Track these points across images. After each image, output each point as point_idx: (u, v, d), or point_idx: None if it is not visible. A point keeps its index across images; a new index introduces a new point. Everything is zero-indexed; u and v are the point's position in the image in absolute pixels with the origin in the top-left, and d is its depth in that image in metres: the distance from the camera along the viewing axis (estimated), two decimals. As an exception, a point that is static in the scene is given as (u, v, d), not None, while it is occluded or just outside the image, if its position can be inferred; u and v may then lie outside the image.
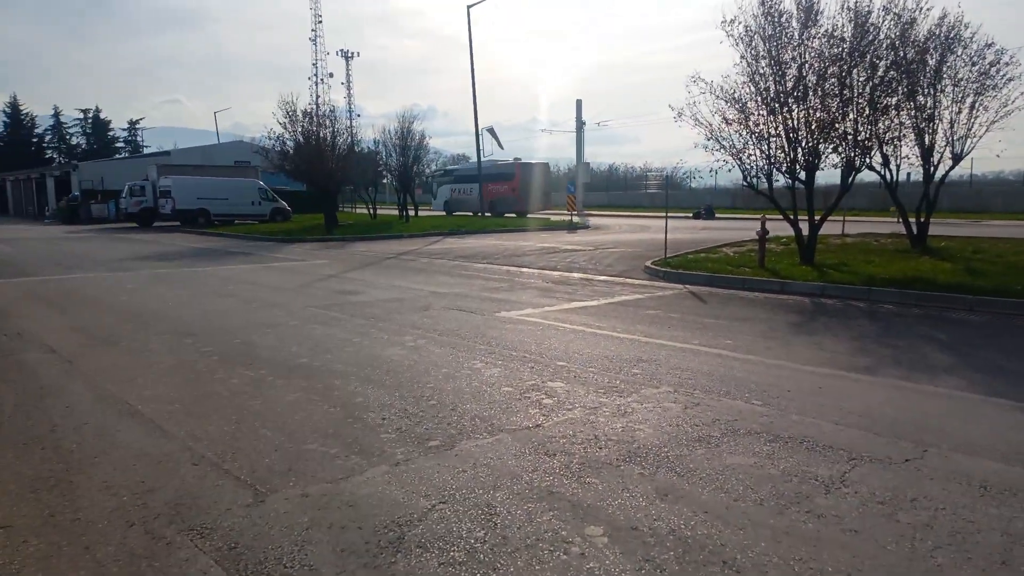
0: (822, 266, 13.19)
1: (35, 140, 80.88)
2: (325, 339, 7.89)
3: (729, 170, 14.21)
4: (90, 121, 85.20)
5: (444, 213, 43.47)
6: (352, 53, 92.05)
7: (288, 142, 30.18)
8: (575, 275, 14.58)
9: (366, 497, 3.63)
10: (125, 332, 8.31)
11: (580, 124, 51.33)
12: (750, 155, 13.50)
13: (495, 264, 16.72)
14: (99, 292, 11.94)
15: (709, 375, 6.22)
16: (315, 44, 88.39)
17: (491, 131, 43.94)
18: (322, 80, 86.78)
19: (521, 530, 3.28)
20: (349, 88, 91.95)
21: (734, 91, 13.18)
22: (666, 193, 19.22)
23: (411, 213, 37.99)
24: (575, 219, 35.15)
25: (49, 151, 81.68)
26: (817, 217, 13.74)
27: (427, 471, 3.98)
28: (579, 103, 51.84)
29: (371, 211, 39.37)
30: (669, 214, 16.75)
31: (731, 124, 13.25)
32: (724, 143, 13.50)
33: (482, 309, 10.05)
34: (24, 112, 79.86)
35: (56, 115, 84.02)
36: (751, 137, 13.28)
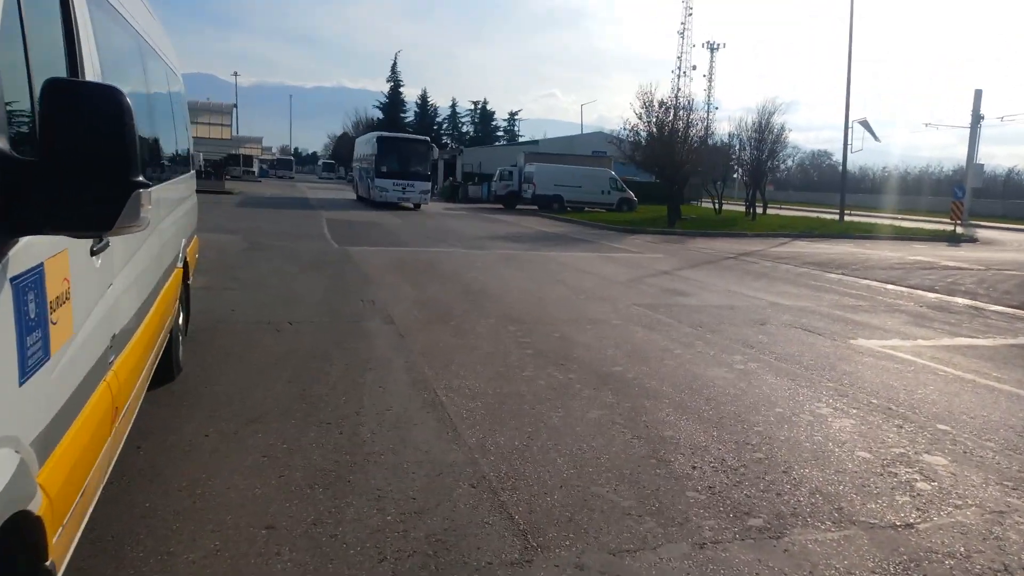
0: None
1: (435, 128, 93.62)
2: (644, 345, 7.16)
3: None
4: (478, 112, 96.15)
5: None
6: (718, 45, 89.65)
7: (642, 132, 30.11)
8: (959, 300, 11.78)
9: (654, 592, 2.77)
10: (459, 311, 8.53)
11: (977, 118, 42.96)
12: None
13: (852, 276, 14.39)
14: (451, 267, 12.77)
15: None
16: (682, 37, 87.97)
17: (864, 124, 38.75)
18: (684, 73, 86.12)
19: None
20: (711, 80, 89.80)
21: None
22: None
23: (759, 211, 35.50)
24: (959, 230, 29.46)
25: (444, 137, 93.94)
26: None
27: (742, 570, 2.97)
28: (978, 93, 43.45)
29: (716, 206, 37.76)
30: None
31: None
32: None
33: (833, 332, 8.42)
34: (430, 104, 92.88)
35: (453, 106, 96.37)
36: None
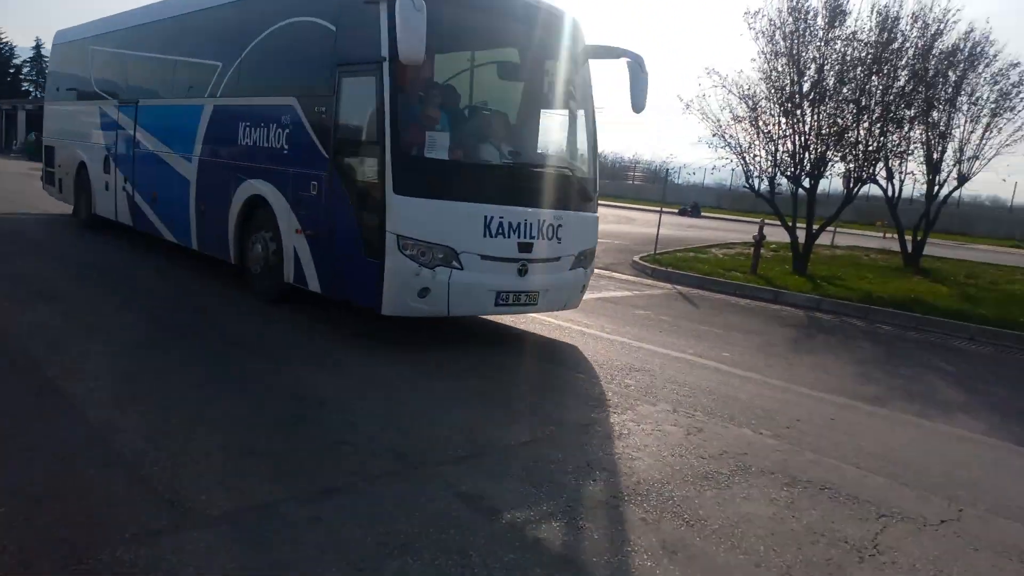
0: (815, 277, 12.69)
1: (11, 71, 76.99)
2: None
3: (732, 170, 13.67)
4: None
5: None
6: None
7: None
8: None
9: None
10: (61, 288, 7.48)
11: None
12: (755, 156, 12.95)
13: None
14: (42, 235, 11.02)
15: (710, 393, 5.60)
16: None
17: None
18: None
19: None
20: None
21: (748, 87, 12.58)
22: (664, 187, 18.66)
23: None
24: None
25: (26, 84, 77.87)
26: (816, 226, 13.21)
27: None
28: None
29: None
30: (653, 208, 16.24)
31: (740, 121, 12.67)
32: (730, 141, 12.92)
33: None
34: (4, 41, 75.81)
35: (37, 47, 79.26)
36: (758, 137, 12.70)
